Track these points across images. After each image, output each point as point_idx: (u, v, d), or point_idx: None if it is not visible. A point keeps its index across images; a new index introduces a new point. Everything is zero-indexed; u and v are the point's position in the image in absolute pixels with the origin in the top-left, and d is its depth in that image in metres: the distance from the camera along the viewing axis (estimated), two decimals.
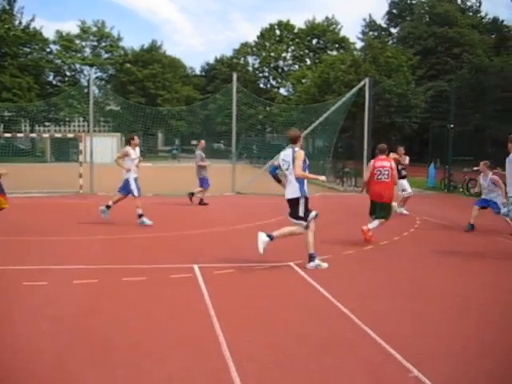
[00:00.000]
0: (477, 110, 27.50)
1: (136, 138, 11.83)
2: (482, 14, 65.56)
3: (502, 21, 62.86)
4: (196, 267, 7.56)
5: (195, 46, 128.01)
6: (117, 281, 6.87)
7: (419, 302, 6.24)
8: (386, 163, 10.12)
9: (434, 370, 4.26)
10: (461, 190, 21.84)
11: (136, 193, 11.44)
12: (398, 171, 13.10)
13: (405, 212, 13.97)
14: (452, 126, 22.15)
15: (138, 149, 11.90)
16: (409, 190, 14.47)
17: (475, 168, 19.74)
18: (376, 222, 9.95)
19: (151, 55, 63.51)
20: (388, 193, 10.06)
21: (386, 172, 9.99)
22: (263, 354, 4.56)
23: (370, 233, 9.76)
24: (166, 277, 7.08)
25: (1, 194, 9.55)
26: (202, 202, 15.49)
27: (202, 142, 16.82)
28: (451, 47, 54.20)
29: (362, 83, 20.95)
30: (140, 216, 11.35)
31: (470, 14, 64.49)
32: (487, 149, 19.29)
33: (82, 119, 50.24)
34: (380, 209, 10.07)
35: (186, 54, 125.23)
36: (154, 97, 59.45)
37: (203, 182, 15.70)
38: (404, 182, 14.33)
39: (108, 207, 11.50)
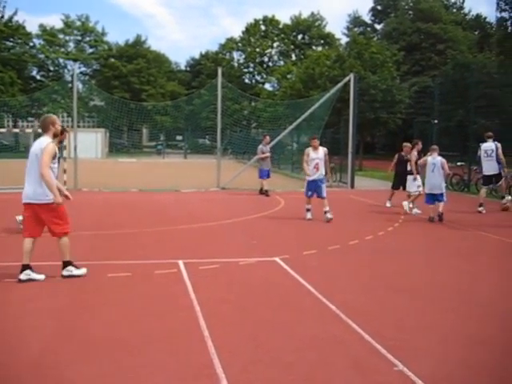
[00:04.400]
0: (460, 105, 27.69)
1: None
2: (466, 10, 66.17)
3: (485, 18, 63.47)
4: (181, 262, 7.54)
5: (180, 40, 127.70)
6: (101, 277, 6.82)
7: (404, 295, 6.27)
8: None
9: (418, 363, 4.29)
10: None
11: None
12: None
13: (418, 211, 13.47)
14: (436, 121, 22.30)
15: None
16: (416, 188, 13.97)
17: (459, 163, 19.96)
18: None
19: (136, 50, 63.22)
20: None
21: None
22: (248, 350, 4.55)
23: None
24: (151, 272, 7.06)
25: None
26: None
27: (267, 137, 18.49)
28: (435, 43, 54.55)
29: (346, 79, 21.00)
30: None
31: (454, 10, 64.99)
32: (470, 144, 19.43)
33: (65, 114, 49.76)
34: None
35: (170, 49, 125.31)
36: (138, 92, 59.17)
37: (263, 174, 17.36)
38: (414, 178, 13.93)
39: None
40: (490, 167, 13.75)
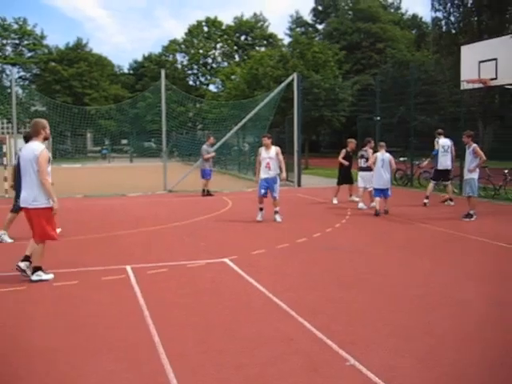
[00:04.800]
0: (401, 102, 28.42)
1: None
2: (403, 10, 68.06)
3: (421, 17, 65.43)
4: (128, 268, 7.42)
5: (122, 43, 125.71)
6: (46, 286, 6.63)
7: (352, 290, 6.37)
8: None
9: (369, 356, 4.37)
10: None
11: None
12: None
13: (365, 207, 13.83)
14: (378, 118, 22.79)
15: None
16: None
17: (402, 159, 20.45)
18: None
19: (77, 53, 61.84)
20: None
21: None
22: (199, 353, 4.51)
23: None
24: (98, 279, 6.91)
25: None
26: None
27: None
28: (375, 42, 55.85)
29: (290, 78, 21.19)
30: None
31: (392, 10, 66.71)
32: (412, 140, 19.97)
33: (5, 121, 48.17)
34: None
35: (113, 52, 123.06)
36: (81, 96, 57.93)
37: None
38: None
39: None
40: (444, 162, 14.29)
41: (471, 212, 11.68)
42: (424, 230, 10.72)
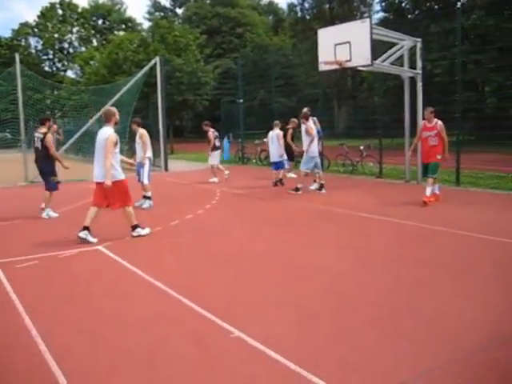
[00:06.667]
0: (261, 85, 29.26)
1: None
2: None
3: (277, 3, 67.60)
4: None
5: None
6: None
7: (228, 268, 6.55)
8: None
9: (251, 328, 4.55)
10: (254, 160, 23.21)
11: None
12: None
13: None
14: (241, 100, 23.29)
15: None
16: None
17: (265, 140, 21.17)
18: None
19: None
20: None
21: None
22: (81, 342, 4.42)
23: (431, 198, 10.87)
24: None
25: None
26: None
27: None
28: (234, 27, 56.64)
29: (152, 62, 20.94)
30: None
31: None
32: (274, 121, 20.70)
33: None
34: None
35: None
36: None
37: None
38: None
39: None
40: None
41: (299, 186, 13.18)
42: (289, 206, 11.26)
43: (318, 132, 13.94)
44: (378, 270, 6.27)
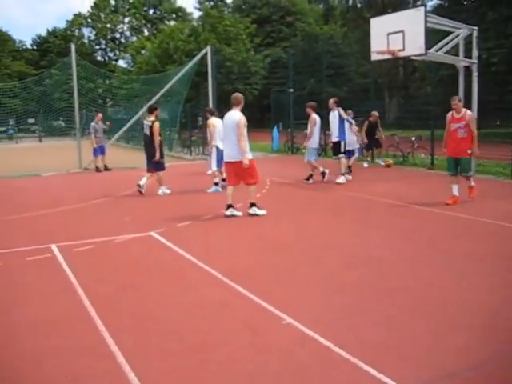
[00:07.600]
0: (311, 75, 29.06)
1: None
2: None
3: None
4: (54, 246, 7.28)
5: (21, 17, 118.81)
6: None
7: (279, 255, 6.58)
8: None
9: (303, 314, 4.58)
10: (303, 151, 23.09)
11: None
12: None
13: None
14: (292, 90, 23.19)
15: None
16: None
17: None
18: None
19: None
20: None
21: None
22: (137, 324, 4.55)
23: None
24: (23, 260, 6.71)
25: None
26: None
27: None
28: (285, 16, 56.25)
29: (203, 51, 21.05)
30: None
31: None
32: (322, 111, 20.55)
33: None
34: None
35: (11, 27, 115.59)
36: None
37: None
38: None
39: None
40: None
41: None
42: (349, 198, 11.21)
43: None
44: (429, 260, 6.20)
